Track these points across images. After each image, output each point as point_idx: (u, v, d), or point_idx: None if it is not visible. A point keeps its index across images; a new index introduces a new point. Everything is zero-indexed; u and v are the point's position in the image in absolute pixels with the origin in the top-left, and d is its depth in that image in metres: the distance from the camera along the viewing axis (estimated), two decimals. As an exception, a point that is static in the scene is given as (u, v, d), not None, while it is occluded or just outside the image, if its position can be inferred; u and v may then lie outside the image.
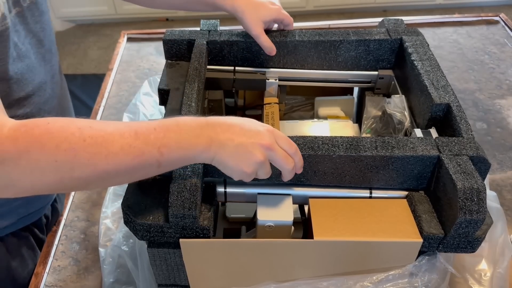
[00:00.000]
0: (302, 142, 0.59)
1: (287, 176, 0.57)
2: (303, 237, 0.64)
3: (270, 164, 0.55)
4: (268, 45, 0.76)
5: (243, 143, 0.52)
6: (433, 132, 0.66)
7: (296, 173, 0.58)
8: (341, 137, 0.60)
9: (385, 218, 0.59)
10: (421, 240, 0.56)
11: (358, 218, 0.59)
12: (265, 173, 0.55)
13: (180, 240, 0.57)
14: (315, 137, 0.60)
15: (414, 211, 0.59)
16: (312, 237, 0.57)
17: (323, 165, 0.59)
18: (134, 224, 0.56)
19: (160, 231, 0.56)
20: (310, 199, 0.61)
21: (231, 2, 0.76)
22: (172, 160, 0.52)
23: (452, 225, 0.55)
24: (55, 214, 0.91)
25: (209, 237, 0.57)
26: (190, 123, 0.52)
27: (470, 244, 0.57)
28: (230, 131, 0.53)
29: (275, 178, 0.59)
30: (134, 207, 0.56)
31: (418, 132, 0.66)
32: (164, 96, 0.72)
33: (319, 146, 0.59)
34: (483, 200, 0.53)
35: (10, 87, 0.68)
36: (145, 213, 0.56)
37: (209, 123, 0.53)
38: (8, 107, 0.68)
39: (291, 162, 0.55)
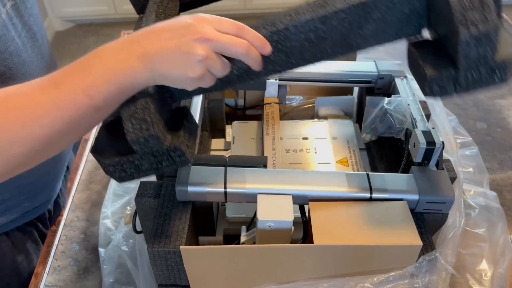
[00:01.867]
0: (262, 24, 0.50)
1: (251, 63, 0.49)
2: (303, 238, 0.64)
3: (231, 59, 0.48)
4: None
5: (176, 45, 0.46)
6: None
7: (265, 58, 0.49)
8: (307, 3, 0.50)
9: (385, 221, 0.59)
10: (421, 244, 0.56)
11: (358, 222, 0.59)
12: (219, 68, 0.48)
13: (181, 247, 0.57)
14: (277, 12, 0.51)
15: (417, 60, 0.49)
16: (312, 241, 0.57)
17: (293, 41, 0.49)
18: (107, 166, 0.52)
19: (134, 166, 0.52)
20: (310, 202, 0.61)
21: None
22: (107, 98, 0.46)
23: (458, 52, 0.43)
24: (58, 209, 0.92)
25: (186, 159, 0.51)
26: (112, 49, 0.47)
27: (494, 71, 0.44)
28: (158, 38, 0.46)
29: (247, 75, 0.51)
30: (104, 151, 0.52)
31: (419, 132, 0.66)
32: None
33: (281, 20, 0.49)
34: (489, 5, 0.42)
35: (5, 82, 0.66)
36: (114, 153, 0.52)
37: (133, 40, 0.47)
38: None
39: (242, 43, 0.47)
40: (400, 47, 1.04)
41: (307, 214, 0.63)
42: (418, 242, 0.56)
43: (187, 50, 0.46)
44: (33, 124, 0.45)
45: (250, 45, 0.48)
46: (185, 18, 0.47)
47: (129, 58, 0.46)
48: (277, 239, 0.60)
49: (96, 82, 0.46)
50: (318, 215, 0.59)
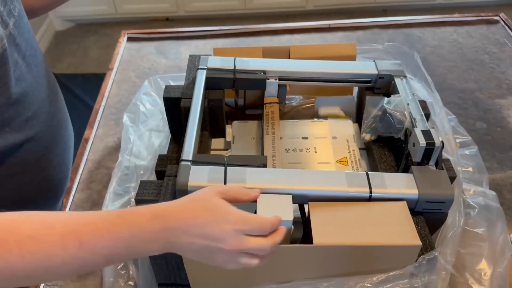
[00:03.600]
0: None
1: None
2: (303, 238, 0.64)
3: None
4: None
5: (204, 247, 0.49)
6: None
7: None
8: None
9: (384, 221, 0.59)
10: (420, 244, 0.57)
11: (357, 222, 0.59)
12: (238, 267, 0.52)
13: None
14: None
15: None
16: (311, 242, 0.57)
17: None
18: None
19: None
20: (310, 202, 0.61)
21: None
22: (121, 261, 0.53)
23: None
24: None
25: None
26: (144, 227, 0.48)
27: None
28: (189, 233, 0.49)
29: None
30: None
31: (418, 132, 0.66)
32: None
33: None
34: None
35: (17, 109, 0.65)
36: None
37: (166, 227, 0.49)
38: (18, 130, 0.66)
39: (269, 245, 0.51)
40: (400, 47, 1.04)
41: (306, 214, 0.64)
42: (417, 242, 0.56)
43: (212, 256, 0.50)
44: (40, 272, 0.46)
45: (273, 248, 0.52)
46: (222, 223, 0.49)
47: (157, 241, 0.49)
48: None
49: (119, 252, 0.48)
50: (317, 215, 0.60)
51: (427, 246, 0.60)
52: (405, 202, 0.61)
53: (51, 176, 0.77)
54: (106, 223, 0.48)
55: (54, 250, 0.45)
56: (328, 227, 0.58)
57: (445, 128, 0.78)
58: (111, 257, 0.48)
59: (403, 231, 0.58)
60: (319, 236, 0.57)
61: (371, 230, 0.58)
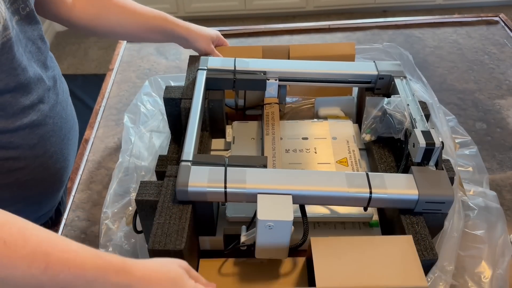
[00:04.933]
0: None
1: None
2: (303, 239, 0.64)
3: None
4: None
5: None
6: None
7: None
8: None
9: (390, 260, 0.57)
10: (427, 285, 0.55)
11: (361, 261, 0.57)
12: None
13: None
14: None
15: None
16: (314, 284, 0.55)
17: None
18: None
19: None
20: (312, 238, 0.60)
21: (185, 30, 0.89)
22: None
23: None
24: (58, 216, 0.92)
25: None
26: (110, 277, 0.49)
27: None
28: None
29: None
30: None
31: (418, 132, 0.66)
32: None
33: None
34: None
35: (15, 96, 0.68)
36: None
37: (128, 285, 0.50)
38: (13, 116, 0.69)
39: None
40: (396, 47, 1.04)
41: (307, 248, 0.63)
42: (424, 283, 0.55)
43: None
44: None
45: None
46: (178, 280, 0.53)
47: None
48: (277, 239, 0.60)
49: None
50: (320, 254, 0.58)
51: (427, 247, 0.60)
52: (410, 237, 0.60)
53: (47, 164, 0.78)
54: (78, 258, 0.48)
55: (19, 262, 0.45)
56: (331, 268, 0.57)
57: (444, 130, 0.78)
58: None
59: (409, 271, 0.56)
60: (322, 279, 0.56)
61: (375, 271, 0.56)
